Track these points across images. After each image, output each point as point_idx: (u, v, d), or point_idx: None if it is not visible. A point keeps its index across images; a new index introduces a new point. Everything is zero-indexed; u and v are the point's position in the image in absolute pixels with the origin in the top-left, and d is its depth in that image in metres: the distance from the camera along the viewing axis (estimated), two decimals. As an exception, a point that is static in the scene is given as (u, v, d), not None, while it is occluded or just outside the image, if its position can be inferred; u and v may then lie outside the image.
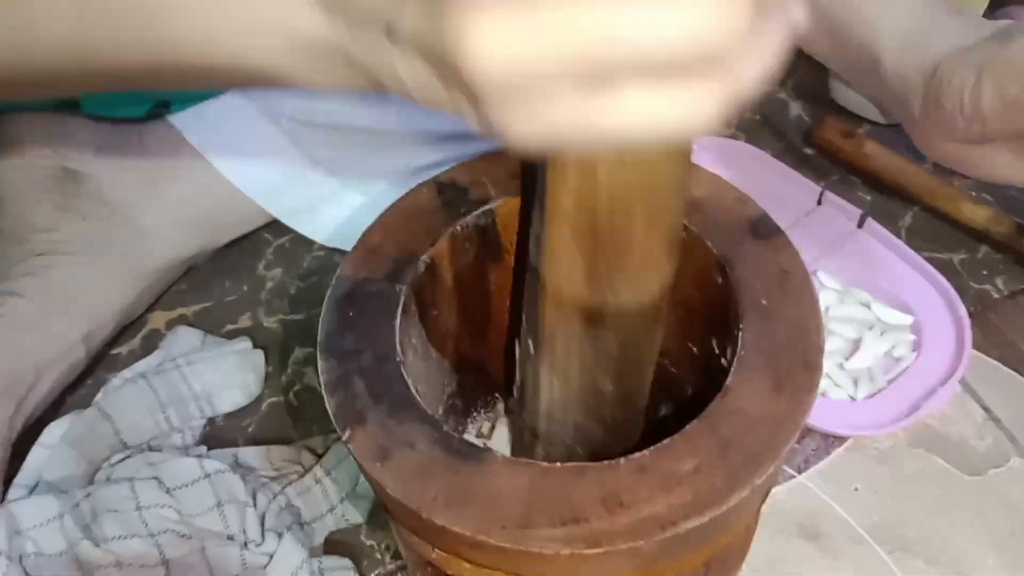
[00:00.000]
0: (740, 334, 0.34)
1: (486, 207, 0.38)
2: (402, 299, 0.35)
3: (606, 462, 0.30)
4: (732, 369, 0.33)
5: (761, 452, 0.30)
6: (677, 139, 0.22)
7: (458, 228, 0.38)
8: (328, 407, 0.32)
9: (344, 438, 0.31)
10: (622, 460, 0.30)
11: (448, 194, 0.38)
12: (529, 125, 0.22)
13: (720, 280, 0.37)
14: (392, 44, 0.24)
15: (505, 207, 0.39)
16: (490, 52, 0.20)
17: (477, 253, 0.39)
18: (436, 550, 0.32)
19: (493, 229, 0.39)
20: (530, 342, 0.36)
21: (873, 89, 0.49)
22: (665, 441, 0.30)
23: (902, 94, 0.45)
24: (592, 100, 0.21)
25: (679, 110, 0.21)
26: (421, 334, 0.38)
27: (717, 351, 0.38)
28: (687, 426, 0.31)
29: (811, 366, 0.33)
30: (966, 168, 0.47)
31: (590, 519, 0.28)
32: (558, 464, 0.30)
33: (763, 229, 0.37)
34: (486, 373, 0.47)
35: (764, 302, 0.35)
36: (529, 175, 0.39)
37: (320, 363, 0.33)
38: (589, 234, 0.29)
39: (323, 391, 0.32)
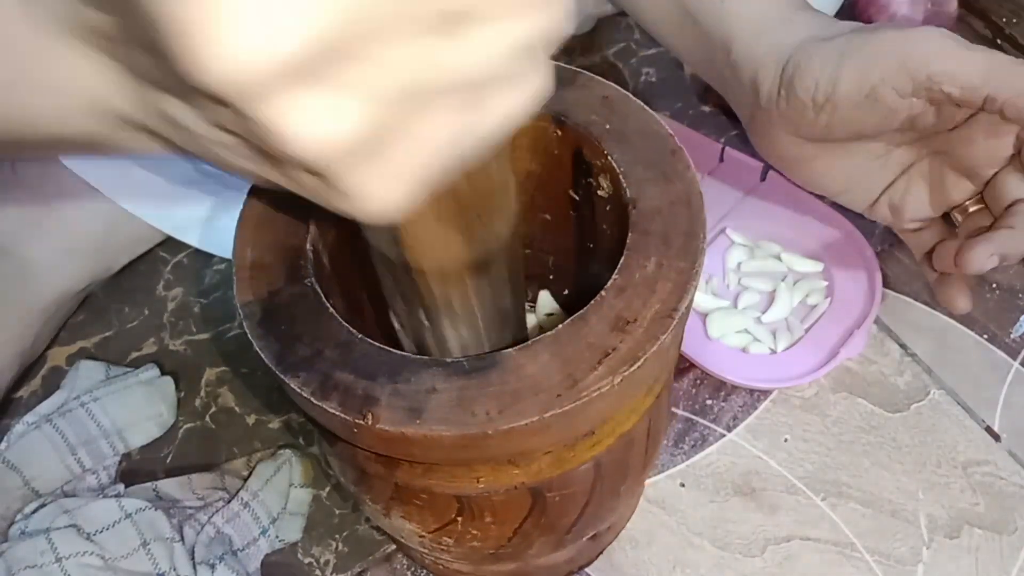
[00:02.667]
0: (607, 156, 0.37)
1: None
2: (320, 289, 0.34)
3: (593, 304, 0.32)
4: (622, 176, 0.36)
5: (691, 225, 0.34)
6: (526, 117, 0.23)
7: (317, 207, 0.36)
8: (332, 412, 0.30)
9: (368, 423, 0.30)
10: (603, 294, 0.32)
11: None
12: (390, 184, 0.21)
13: (559, 132, 0.39)
14: (210, 130, 0.22)
15: None
16: (332, 133, 0.19)
17: (337, 228, 0.38)
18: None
19: None
20: (422, 318, 0.35)
21: (721, 79, 0.48)
22: (621, 261, 0.34)
23: (751, 80, 0.44)
24: (456, 127, 0.21)
25: (526, 96, 0.22)
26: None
27: (593, 183, 0.40)
28: (629, 237, 0.34)
29: (669, 147, 0.37)
30: (798, 170, 0.47)
31: (633, 327, 0.32)
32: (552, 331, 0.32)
33: (564, 75, 0.39)
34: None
35: (608, 126, 0.37)
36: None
37: (292, 383, 0.31)
38: (455, 207, 0.29)
39: (312, 406, 0.31)
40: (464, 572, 0.47)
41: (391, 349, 0.32)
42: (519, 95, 0.22)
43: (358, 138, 0.19)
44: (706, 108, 0.69)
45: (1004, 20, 0.73)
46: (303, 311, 0.33)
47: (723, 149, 0.63)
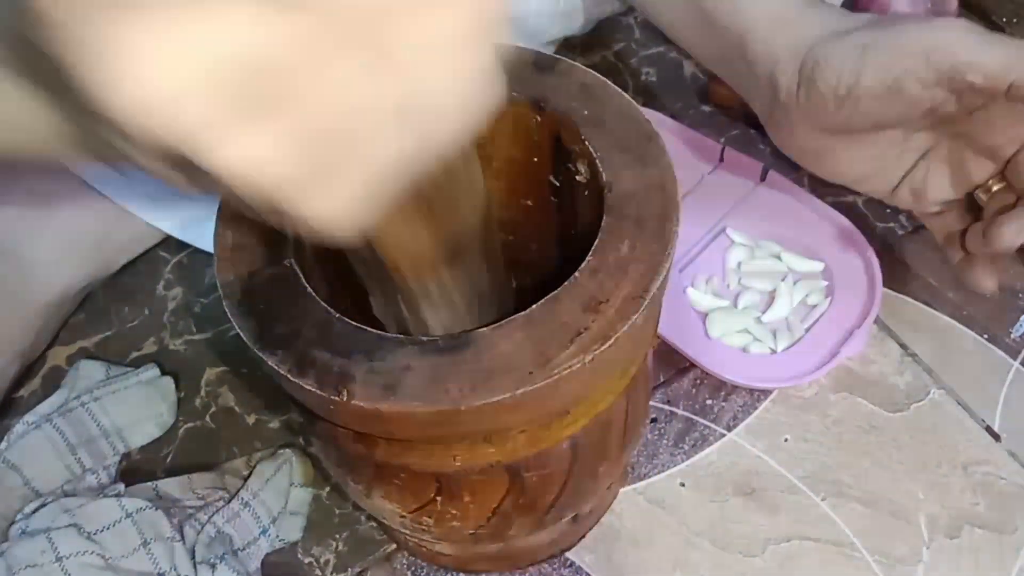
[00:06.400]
0: (585, 141, 0.37)
1: None
2: (299, 270, 0.34)
3: (565, 287, 0.32)
4: (599, 161, 0.36)
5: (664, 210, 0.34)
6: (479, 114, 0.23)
7: None
8: (308, 388, 0.31)
9: (344, 399, 0.30)
10: (577, 275, 0.33)
11: None
12: (346, 199, 0.21)
13: (539, 118, 0.39)
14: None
15: None
16: (261, 165, 0.19)
17: None
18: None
19: None
20: (401, 307, 0.36)
21: (737, 76, 0.48)
22: (597, 242, 0.34)
23: (769, 76, 0.44)
24: (401, 141, 0.21)
25: (470, 112, 0.22)
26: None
27: (572, 168, 0.40)
28: (604, 220, 0.34)
29: (645, 132, 0.37)
30: (817, 162, 0.47)
31: (606, 307, 0.32)
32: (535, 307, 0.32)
33: (543, 62, 0.39)
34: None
35: (586, 112, 0.37)
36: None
37: (270, 361, 0.31)
38: (421, 205, 0.30)
39: (289, 383, 0.31)
40: (447, 554, 0.48)
41: (368, 328, 0.32)
42: (463, 111, 0.22)
43: (296, 169, 0.20)
44: (706, 108, 0.69)
45: (1005, 20, 0.73)
46: (282, 291, 0.33)
47: (723, 149, 0.62)
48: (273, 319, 0.33)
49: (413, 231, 0.31)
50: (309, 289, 0.33)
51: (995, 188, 0.44)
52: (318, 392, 0.31)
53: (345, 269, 0.42)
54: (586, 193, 0.39)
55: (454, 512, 0.39)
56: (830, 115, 0.43)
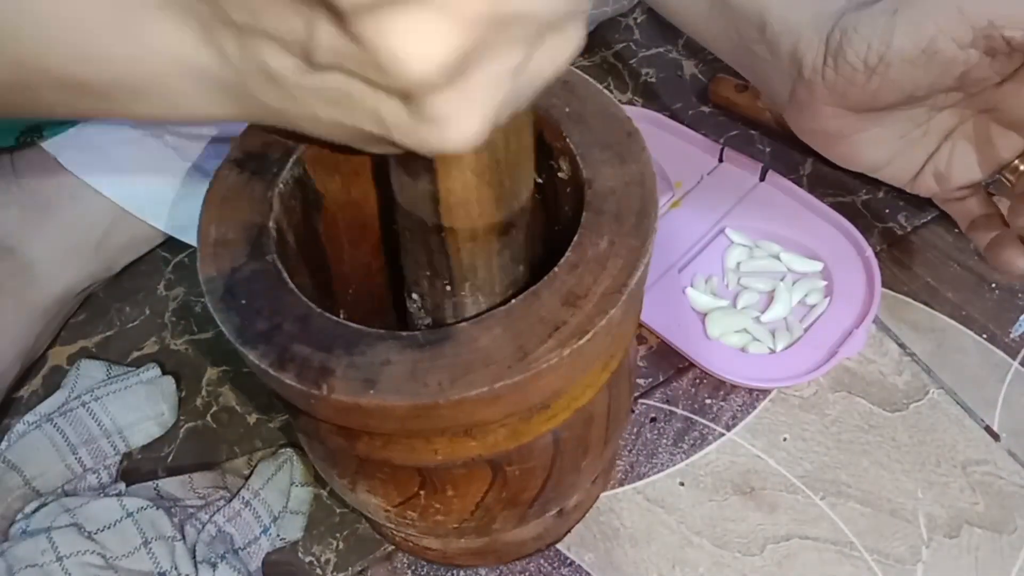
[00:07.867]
0: (566, 138, 0.37)
1: (293, 158, 0.37)
2: (280, 265, 0.34)
3: (542, 284, 0.33)
4: (579, 158, 0.36)
5: (643, 204, 0.35)
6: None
7: (281, 186, 0.37)
8: (289, 382, 0.31)
9: (324, 393, 0.31)
10: (556, 270, 0.33)
11: (250, 166, 0.37)
12: (472, 109, 0.23)
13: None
14: (303, 75, 0.23)
15: (310, 151, 0.38)
16: (432, 52, 0.21)
17: (302, 207, 0.39)
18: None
19: (307, 177, 0.39)
20: (444, 285, 0.36)
21: (752, 58, 0.48)
22: (577, 236, 0.34)
23: (792, 52, 0.44)
24: (522, 59, 0.23)
25: (571, 44, 0.25)
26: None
27: (555, 166, 0.40)
28: (583, 215, 0.35)
29: (625, 129, 0.37)
30: (838, 146, 0.46)
31: (584, 302, 0.32)
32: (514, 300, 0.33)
33: None
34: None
35: (567, 109, 0.38)
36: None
37: (251, 355, 0.32)
38: (493, 167, 0.31)
39: (270, 377, 0.31)
40: (433, 549, 0.48)
41: (348, 323, 0.32)
42: (566, 42, 0.24)
43: (453, 58, 0.21)
44: (706, 108, 0.69)
45: (1003, 20, 0.72)
46: (264, 286, 0.34)
47: (723, 149, 0.63)
48: (255, 314, 0.33)
49: (479, 192, 0.32)
50: (291, 284, 0.34)
51: (1022, 167, 0.44)
52: (298, 386, 0.31)
53: (326, 265, 0.43)
54: (568, 190, 0.39)
55: (438, 506, 0.39)
56: (858, 88, 0.42)
